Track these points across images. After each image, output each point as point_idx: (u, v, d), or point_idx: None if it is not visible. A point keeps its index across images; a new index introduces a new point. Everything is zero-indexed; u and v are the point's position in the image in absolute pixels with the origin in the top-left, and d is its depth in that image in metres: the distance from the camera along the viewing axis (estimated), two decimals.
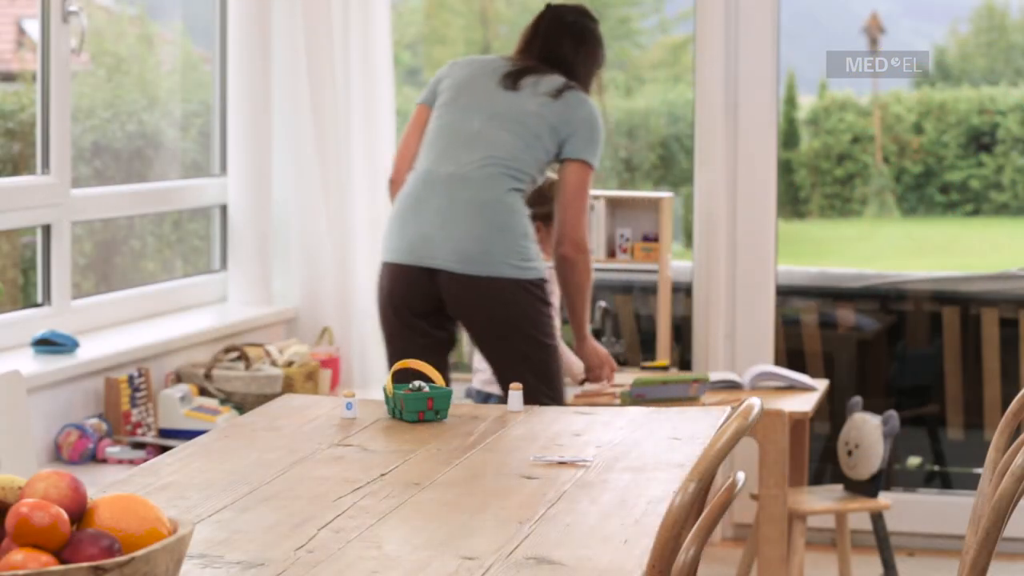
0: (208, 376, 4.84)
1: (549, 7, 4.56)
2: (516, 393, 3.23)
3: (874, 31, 7.44)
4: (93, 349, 4.59)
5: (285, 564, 2.16)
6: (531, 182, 4.40)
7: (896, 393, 6.04)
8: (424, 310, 4.36)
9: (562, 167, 4.41)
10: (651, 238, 5.43)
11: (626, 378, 4.77)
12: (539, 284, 4.35)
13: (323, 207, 5.46)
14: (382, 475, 2.67)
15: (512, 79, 4.43)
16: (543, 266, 4.39)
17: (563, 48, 4.48)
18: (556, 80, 4.42)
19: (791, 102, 7.98)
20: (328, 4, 5.45)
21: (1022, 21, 8.30)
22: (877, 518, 4.72)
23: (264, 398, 4.72)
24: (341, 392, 4.63)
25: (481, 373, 4.74)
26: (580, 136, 4.37)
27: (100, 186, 5.15)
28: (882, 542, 4.73)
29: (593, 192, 5.54)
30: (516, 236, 4.30)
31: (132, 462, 4.39)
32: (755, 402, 2.19)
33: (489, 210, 4.31)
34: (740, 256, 5.54)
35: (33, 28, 4.82)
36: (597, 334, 5.35)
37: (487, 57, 4.61)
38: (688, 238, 6.53)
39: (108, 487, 2.54)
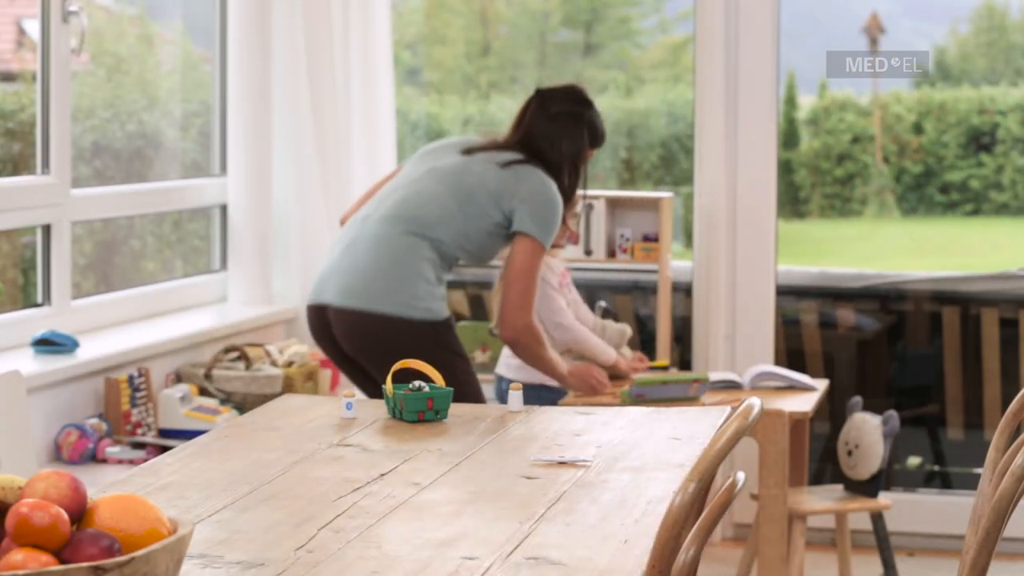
0: (208, 376, 4.84)
1: (538, 93, 4.50)
2: (516, 393, 3.23)
3: (874, 31, 7.44)
4: (93, 349, 4.59)
5: (285, 564, 2.17)
6: (457, 234, 4.28)
7: (896, 393, 6.04)
8: (333, 350, 4.35)
9: (511, 242, 4.34)
10: (651, 238, 5.43)
11: None
12: (432, 326, 4.24)
13: (323, 207, 5.46)
14: (382, 475, 2.67)
15: (473, 150, 4.41)
16: (440, 308, 4.27)
17: (542, 142, 4.40)
18: (514, 155, 4.37)
19: (791, 102, 7.98)
20: (328, 4, 5.46)
21: (1022, 21, 8.30)
22: (877, 518, 4.72)
23: (264, 398, 4.72)
24: (341, 392, 4.63)
25: (510, 359, 4.75)
26: (526, 209, 4.29)
27: (100, 186, 5.16)
28: (882, 542, 4.73)
29: (593, 192, 5.55)
30: (405, 274, 4.22)
31: (132, 462, 4.39)
32: (755, 402, 2.19)
33: (380, 246, 4.26)
34: (740, 256, 5.54)
35: (33, 28, 4.82)
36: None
37: (470, 136, 4.56)
38: (688, 238, 6.53)
39: (108, 487, 2.54)
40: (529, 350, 4.37)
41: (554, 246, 4.74)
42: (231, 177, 5.45)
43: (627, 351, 4.91)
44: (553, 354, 4.45)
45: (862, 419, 4.74)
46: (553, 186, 4.34)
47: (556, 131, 4.42)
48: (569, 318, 4.77)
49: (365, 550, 2.24)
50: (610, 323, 4.93)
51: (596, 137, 4.50)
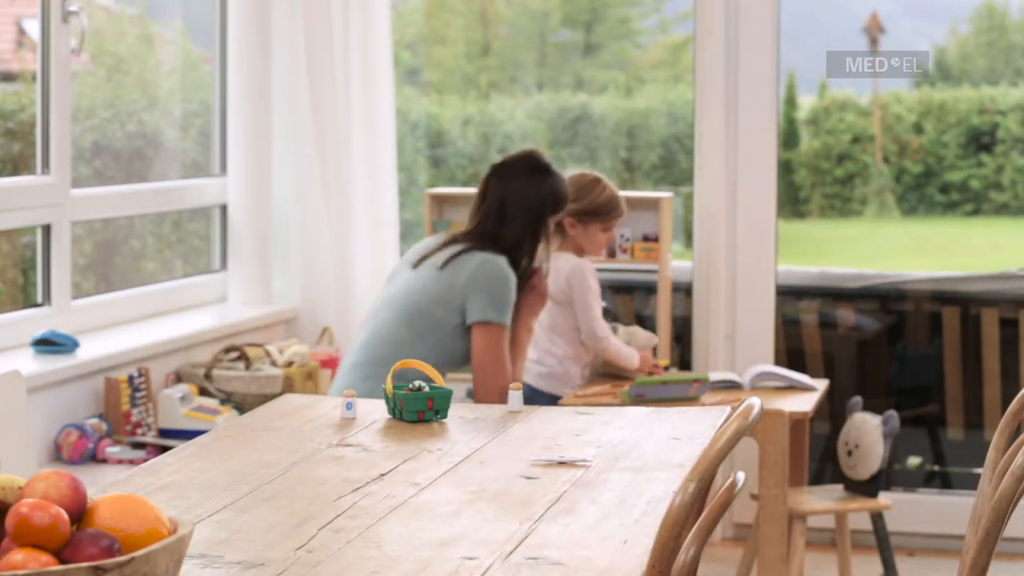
0: (208, 376, 4.84)
1: (493, 169, 4.41)
2: (516, 393, 3.23)
3: (874, 31, 7.44)
4: (93, 349, 4.59)
5: (285, 564, 2.16)
6: (419, 359, 4.22)
7: (896, 393, 6.04)
8: None
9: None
10: (651, 238, 5.43)
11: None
12: None
13: (323, 207, 5.46)
14: (382, 475, 2.67)
15: (422, 259, 4.34)
16: None
17: (501, 223, 4.32)
18: (452, 250, 4.30)
19: (791, 102, 7.98)
20: (328, 4, 5.46)
21: (1022, 21, 8.30)
22: (877, 518, 4.72)
23: (264, 398, 4.72)
24: (341, 392, 4.63)
25: (534, 366, 4.76)
26: (473, 297, 4.24)
27: (100, 186, 5.16)
28: (882, 542, 4.73)
29: None
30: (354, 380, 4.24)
31: (132, 462, 4.39)
32: (755, 402, 2.19)
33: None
34: (740, 256, 5.54)
35: (33, 28, 4.82)
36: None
37: (428, 240, 4.48)
38: (688, 238, 6.53)
39: (108, 487, 2.54)
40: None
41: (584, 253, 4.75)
42: (231, 177, 5.45)
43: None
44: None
45: (862, 419, 4.74)
46: (497, 261, 4.27)
47: (514, 205, 4.33)
48: (605, 330, 4.75)
49: (365, 550, 2.24)
50: (637, 329, 4.92)
51: (558, 202, 4.39)
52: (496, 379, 4.24)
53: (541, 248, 4.39)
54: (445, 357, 4.26)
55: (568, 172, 4.67)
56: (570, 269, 4.72)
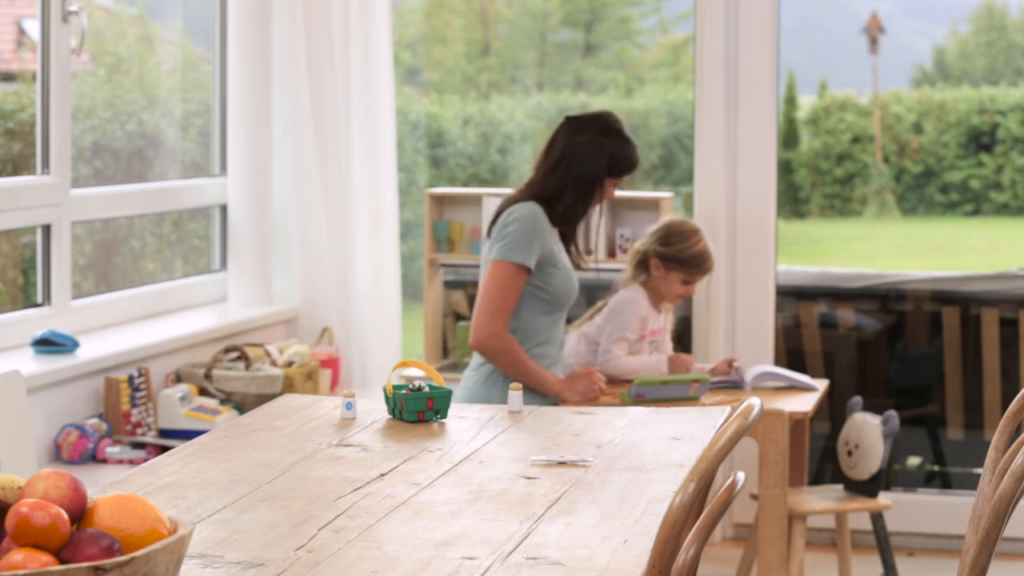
0: (208, 376, 4.84)
1: (567, 121, 4.49)
2: (516, 393, 3.23)
3: (874, 31, 7.45)
4: (93, 349, 4.59)
5: (285, 564, 2.17)
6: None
7: (896, 393, 6.05)
8: None
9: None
10: None
11: None
12: None
13: (323, 207, 5.46)
14: (382, 475, 2.67)
15: (488, 231, 4.46)
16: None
17: (552, 178, 4.40)
18: (496, 215, 4.41)
19: (791, 102, 7.99)
20: (328, 4, 5.46)
21: (1022, 21, 8.30)
22: (877, 518, 4.73)
23: (264, 398, 4.72)
24: (341, 392, 4.63)
25: None
26: (494, 242, 4.35)
27: (100, 186, 5.16)
28: (882, 542, 4.73)
29: None
30: (473, 383, 4.40)
31: (132, 462, 4.39)
32: (755, 402, 2.19)
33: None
34: (740, 256, 5.54)
35: (33, 28, 4.83)
36: None
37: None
38: None
39: (108, 487, 2.55)
40: (500, 359, 4.33)
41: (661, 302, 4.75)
42: (231, 177, 5.45)
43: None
44: (536, 366, 4.39)
45: (862, 419, 4.74)
46: (521, 207, 4.35)
47: (573, 158, 4.42)
48: (614, 351, 4.70)
49: (365, 550, 2.24)
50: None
51: (617, 166, 4.46)
52: (491, 306, 4.31)
53: (593, 209, 4.50)
54: (520, 320, 4.38)
55: (670, 217, 4.70)
56: (623, 295, 4.69)
